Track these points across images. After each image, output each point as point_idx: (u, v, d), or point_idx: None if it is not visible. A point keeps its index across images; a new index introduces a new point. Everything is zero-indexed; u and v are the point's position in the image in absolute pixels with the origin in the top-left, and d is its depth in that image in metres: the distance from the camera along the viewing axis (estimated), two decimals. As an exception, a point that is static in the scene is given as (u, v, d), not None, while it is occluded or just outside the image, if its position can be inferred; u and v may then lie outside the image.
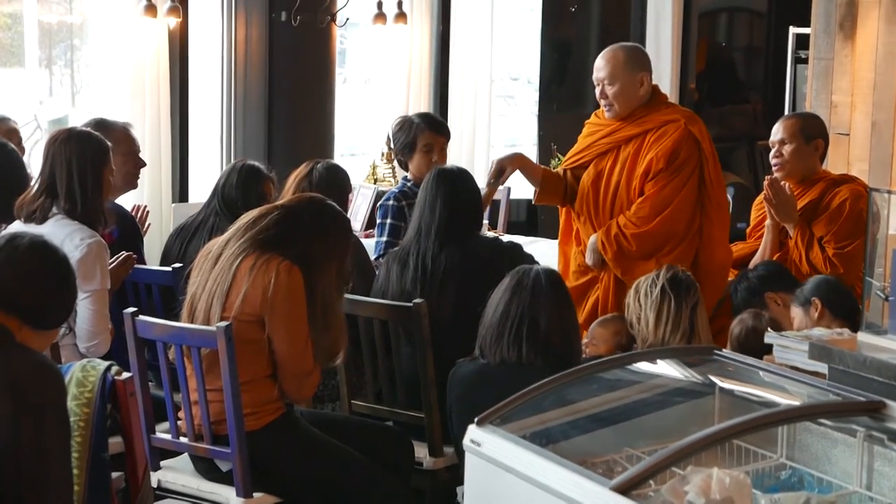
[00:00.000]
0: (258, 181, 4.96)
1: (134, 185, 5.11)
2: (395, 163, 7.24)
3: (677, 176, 4.83)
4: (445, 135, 5.44)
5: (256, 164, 5.08)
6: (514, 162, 5.12)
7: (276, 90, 7.23)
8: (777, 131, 5.17)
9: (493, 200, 6.19)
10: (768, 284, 4.68)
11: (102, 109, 6.77)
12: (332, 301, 3.78)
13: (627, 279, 4.67)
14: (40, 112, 7.09)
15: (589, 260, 4.92)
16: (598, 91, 4.98)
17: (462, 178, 4.55)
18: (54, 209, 4.15)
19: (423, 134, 5.32)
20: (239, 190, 4.91)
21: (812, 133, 5.16)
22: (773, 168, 5.16)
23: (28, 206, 4.16)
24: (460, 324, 4.11)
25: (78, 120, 6.91)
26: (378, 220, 5.34)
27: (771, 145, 5.21)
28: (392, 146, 5.54)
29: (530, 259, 4.44)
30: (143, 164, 5.17)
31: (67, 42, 7.04)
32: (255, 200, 4.69)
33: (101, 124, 4.88)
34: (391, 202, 5.26)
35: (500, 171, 5.07)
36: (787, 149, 5.11)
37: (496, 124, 8.95)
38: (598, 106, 5.14)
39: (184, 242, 4.95)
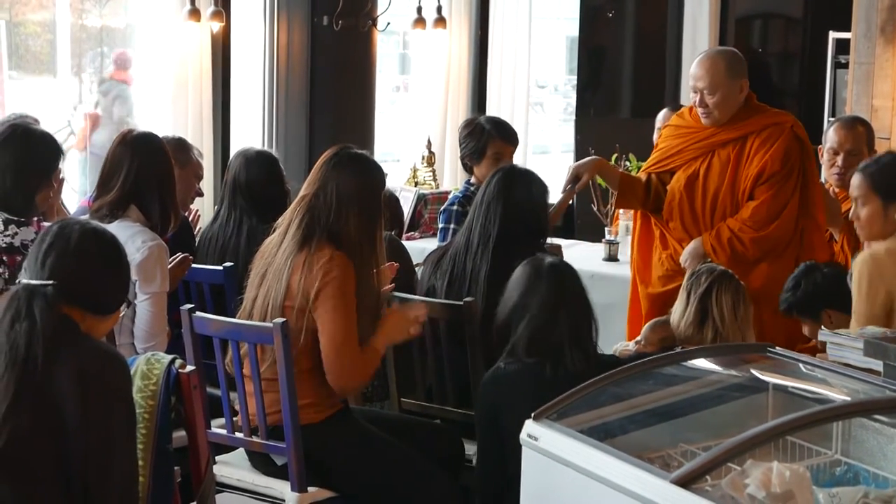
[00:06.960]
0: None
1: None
2: (435, 167, 7.32)
3: (789, 179, 4.75)
4: (515, 143, 5.33)
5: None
6: (591, 168, 4.94)
7: (317, 94, 7.27)
8: (844, 140, 5.01)
9: None
10: (827, 301, 4.35)
11: (145, 114, 6.85)
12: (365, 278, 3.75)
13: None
14: (73, 118, 7.13)
15: (690, 264, 4.71)
16: (696, 99, 4.81)
17: (521, 181, 4.45)
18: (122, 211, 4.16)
19: (494, 142, 5.24)
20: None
21: (873, 142, 5.07)
22: (836, 178, 5.01)
23: (104, 207, 4.15)
24: (487, 329, 4.02)
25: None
26: (441, 225, 5.30)
27: (834, 153, 5.05)
28: (461, 148, 5.38)
29: (571, 274, 4.40)
30: (201, 194, 5.25)
31: (97, 49, 7.09)
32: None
33: (181, 143, 4.98)
34: (455, 207, 5.22)
35: (576, 178, 4.89)
36: (857, 160, 4.76)
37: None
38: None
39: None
